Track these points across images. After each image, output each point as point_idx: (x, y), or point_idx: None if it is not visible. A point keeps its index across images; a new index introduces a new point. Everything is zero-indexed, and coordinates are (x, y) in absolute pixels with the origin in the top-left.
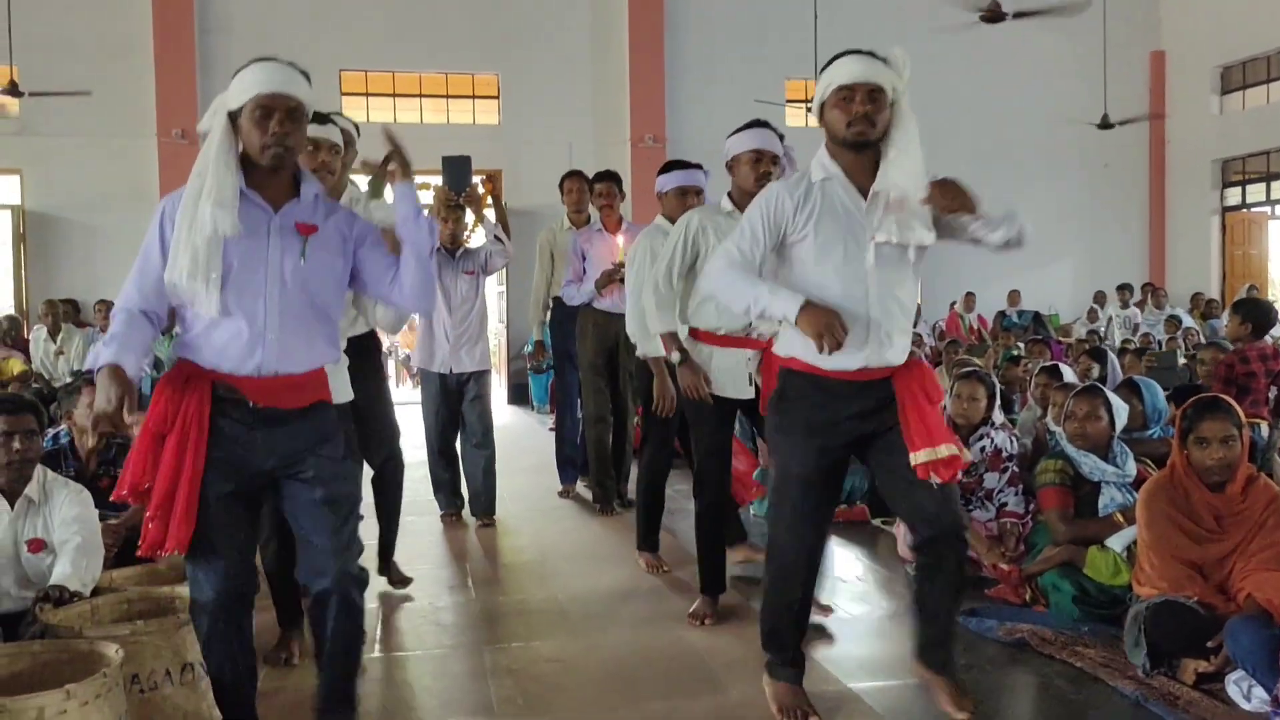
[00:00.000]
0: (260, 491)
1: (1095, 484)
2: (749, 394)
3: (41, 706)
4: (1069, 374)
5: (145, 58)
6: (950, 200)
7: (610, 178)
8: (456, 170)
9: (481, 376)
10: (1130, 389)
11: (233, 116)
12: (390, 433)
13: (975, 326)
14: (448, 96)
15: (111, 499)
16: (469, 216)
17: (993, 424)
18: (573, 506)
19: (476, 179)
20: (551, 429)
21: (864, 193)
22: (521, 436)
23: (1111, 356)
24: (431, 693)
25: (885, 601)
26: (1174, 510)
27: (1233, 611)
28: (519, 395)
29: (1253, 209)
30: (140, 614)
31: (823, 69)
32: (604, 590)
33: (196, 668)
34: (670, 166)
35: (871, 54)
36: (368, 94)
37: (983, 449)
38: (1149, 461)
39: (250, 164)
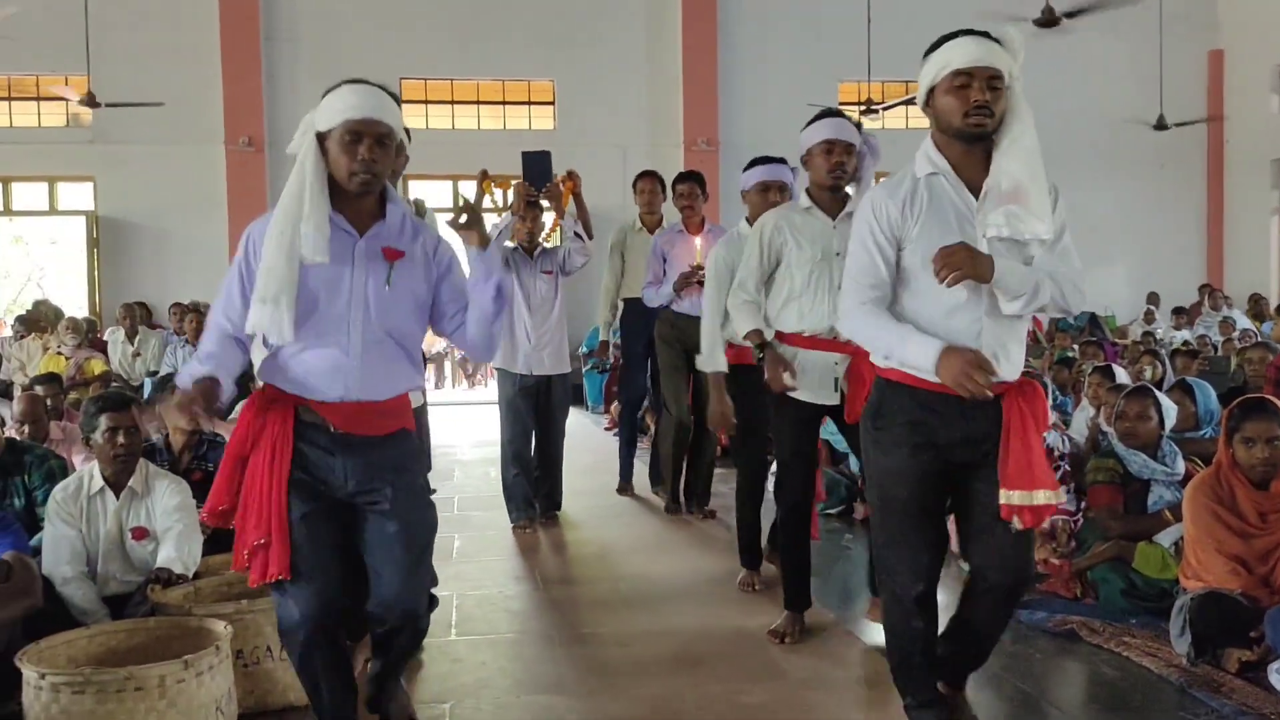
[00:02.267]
0: (341, 511)
1: (1145, 482)
2: (834, 400)
3: (163, 675)
4: (1122, 375)
5: (213, 67)
6: (951, 267)
7: (693, 178)
8: (536, 166)
9: (563, 380)
10: (1183, 390)
11: (320, 137)
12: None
13: (1031, 329)
14: (504, 103)
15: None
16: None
17: None
18: (631, 502)
19: (557, 174)
20: (608, 428)
21: (974, 190)
22: (578, 436)
23: (1164, 356)
24: (506, 673)
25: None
26: (1219, 506)
27: (1276, 603)
28: (575, 396)
29: None
30: (239, 595)
31: (930, 50)
32: (664, 579)
33: None
34: (754, 163)
35: (986, 34)
36: (427, 101)
37: None
38: (1199, 461)
39: (335, 186)
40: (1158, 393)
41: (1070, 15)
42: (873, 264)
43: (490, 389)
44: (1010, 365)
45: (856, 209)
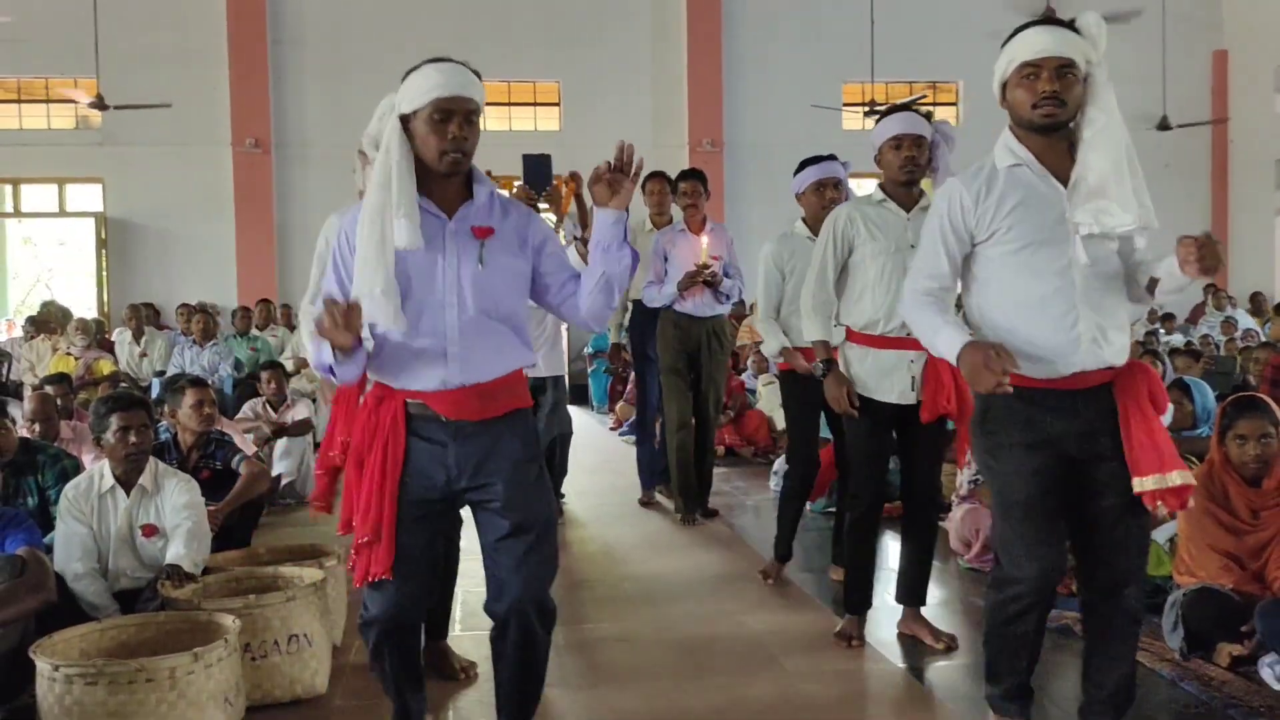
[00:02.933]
0: (452, 514)
1: None
2: (910, 399)
3: (173, 667)
4: None
5: (220, 70)
6: (1207, 263)
7: (695, 176)
8: (536, 169)
9: (557, 383)
10: (1181, 389)
11: (404, 120)
12: None
13: None
14: (510, 104)
15: (338, 531)
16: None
17: None
18: (629, 499)
19: (558, 176)
20: (612, 428)
21: (1062, 180)
22: (583, 435)
23: (1164, 356)
24: None
25: (937, 591)
26: (1212, 504)
27: (1267, 599)
28: (579, 396)
29: None
30: (247, 590)
31: (1004, 43)
32: (667, 577)
33: (302, 638)
34: (805, 164)
35: (1059, 22)
36: None
37: None
38: (1195, 459)
39: (420, 168)
40: None
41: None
42: (935, 256)
43: None
44: (1113, 349)
45: (933, 200)
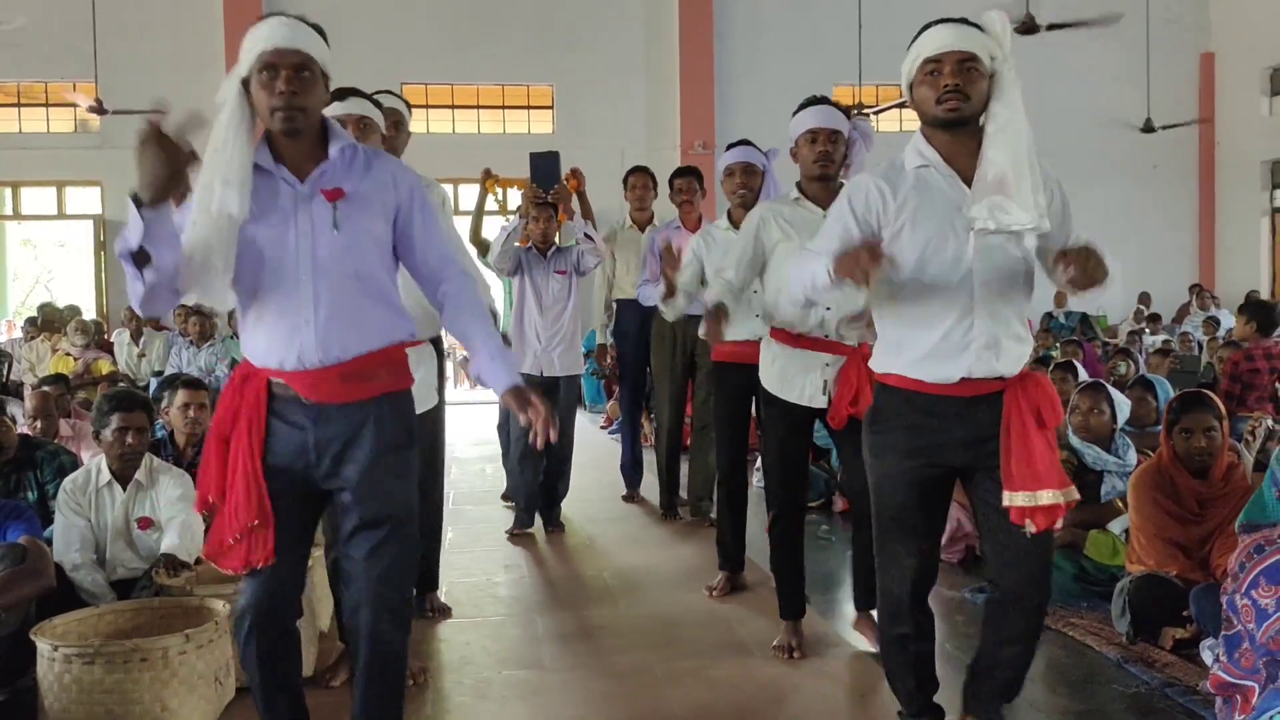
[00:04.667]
0: (320, 500)
1: (1098, 473)
2: (820, 403)
3: (166, 648)
4: (1084, 372)
5: (217, 75)
6: (1082, 276)
7: (690, 173)
8: (544, 167)
9: (571, 381)
10: (1144, 386)
11: (245, 85)
12: (435, 454)
13: None
14: (504, 107)
15: (194, 509)
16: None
17: None
18: (616, 496)
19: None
20: (603, 426)
21: (968, 180)
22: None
23: (1136, 355)
24: (489, 652)
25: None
26: (1160, 495)
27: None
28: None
29: None
30: (237, 578)
31: (910, 44)
32: (647, 569)
33: None
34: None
35: (963, 20)
36: (428, 106)
37: None
38: (1152, 453)
39: (274, 136)
40: (1110, 388)
41: (1053, 27)
42: (831, 238)
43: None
44: (1007, 359)
45: (844, 189)
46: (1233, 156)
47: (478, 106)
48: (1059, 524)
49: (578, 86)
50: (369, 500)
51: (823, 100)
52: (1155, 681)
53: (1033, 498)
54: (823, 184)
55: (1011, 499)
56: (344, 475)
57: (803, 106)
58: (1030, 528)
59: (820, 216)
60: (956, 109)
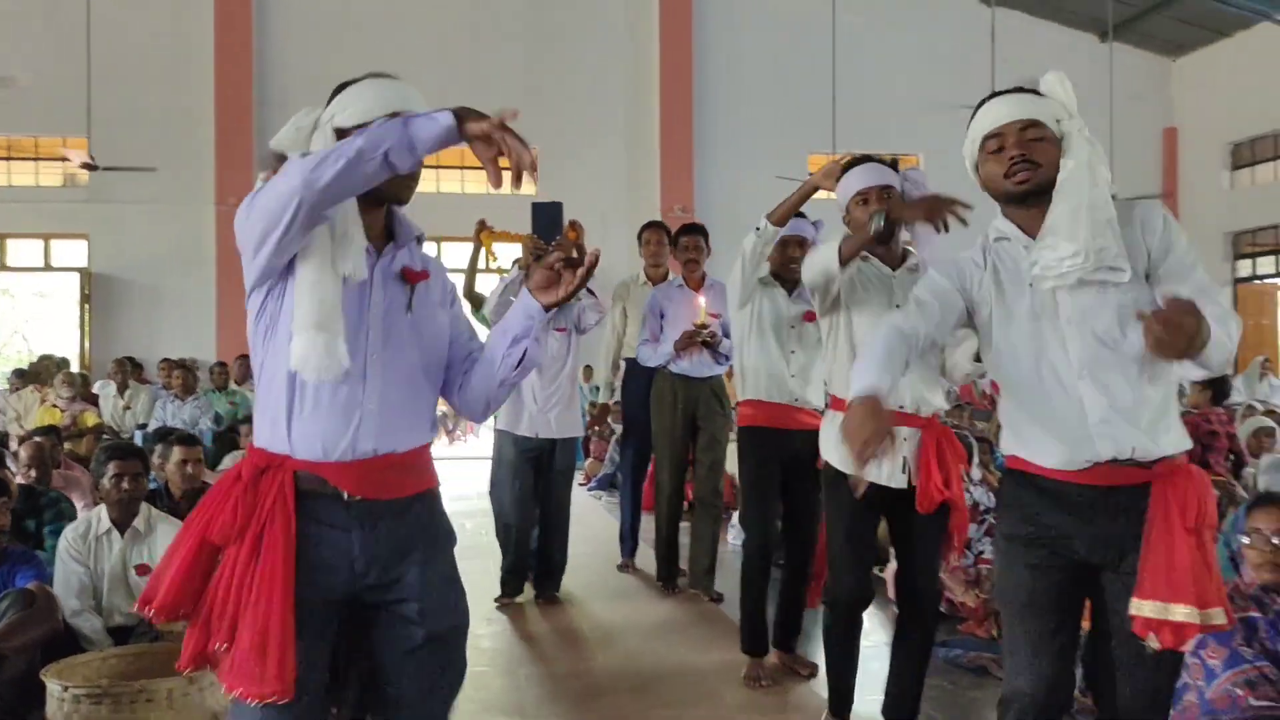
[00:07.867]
0: (350, 615)
1: None
2: (899, 482)
3: (171, 688)
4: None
5: (207, 130)
6: (1164, 341)
7: (697, 230)
8: (546, 217)
9: (567, 444)
10: None
11: (340, 135)
12: None
13: (988, 391)
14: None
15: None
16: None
17: (971, 479)
18: (597, 555)
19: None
20: (581, 484)
21: None
22: None
23: None
24: (473, 700)
25: (877, 636)
26: None
27: None
28: None
29: (1264, 280)
30: None
31: (968, 125)
32: (626, 621)
33: None
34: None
35: (1018, 89)
36: None
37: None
38: None
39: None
40: None
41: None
42: (919, 306)
43: (470, 445)
44: (1138, 436)
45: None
46: (1196, 228)
47: (463, 166)
48: (1187, 646)
49: (562, 149)
50: (433, 615)
51: (864, 159)
52: None
53: (1164, 610)
54: (884, 244)
55: (1139, 608)
56: (399, 586)
57: (849, 166)
58: (1154, 643)
59: (890, 274)
60: (1027, 179)
